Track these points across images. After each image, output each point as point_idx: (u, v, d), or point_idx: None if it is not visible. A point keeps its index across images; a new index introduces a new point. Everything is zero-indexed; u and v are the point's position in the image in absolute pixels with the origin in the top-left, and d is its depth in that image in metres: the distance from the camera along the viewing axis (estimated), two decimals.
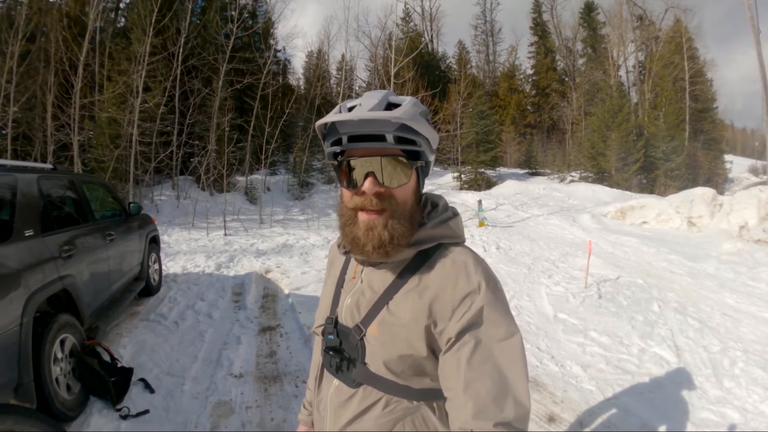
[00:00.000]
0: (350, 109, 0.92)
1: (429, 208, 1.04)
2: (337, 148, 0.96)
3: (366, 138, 0.91)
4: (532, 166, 29.20)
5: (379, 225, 0.91)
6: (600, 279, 6.50)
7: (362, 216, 0.93)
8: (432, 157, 1.01)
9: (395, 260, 0.97)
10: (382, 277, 1.00)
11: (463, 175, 23.15)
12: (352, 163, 0.94)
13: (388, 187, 0.92)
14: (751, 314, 5.23)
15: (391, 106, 0.91)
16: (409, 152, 0.94)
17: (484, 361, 0.83)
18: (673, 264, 7.60)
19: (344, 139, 0.93)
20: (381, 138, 0.90)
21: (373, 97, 0.91)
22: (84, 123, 13.49)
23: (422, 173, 1.01)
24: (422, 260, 0.97)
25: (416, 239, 0.96)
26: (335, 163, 0.99)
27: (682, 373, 3.87)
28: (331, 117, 0.90)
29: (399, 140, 0.91)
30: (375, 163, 0.91)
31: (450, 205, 1.07)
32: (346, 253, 1.06)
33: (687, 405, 3.39)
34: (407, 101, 0.91)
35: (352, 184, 0.94)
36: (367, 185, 0.91)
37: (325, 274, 1.29)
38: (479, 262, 0.96)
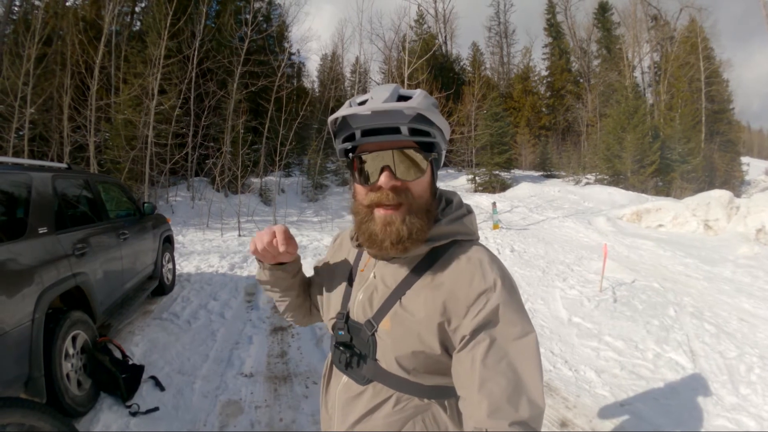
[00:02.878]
0: (361, 104, 0.90)
1: (443, 204, 1.02)
2: (350, 144, 0.95)
3: (380, 131, 0.90)
4: (546, 169, 28.93)
5: (397, 220, 0.90)
6: (615, 283, 6.40)
7: (379, 212, 0.92)
8: (445, 148, 1.00)
9: (410, 255, 0.96)
10: (395, 272, 0.99)
11: (477, 178, 23.03)
12: (365, 158, 0.92)
13: (403, 180, 0.91)
14: None
15: (402, 98, 0.90)
16: (423, 144, 0.93)
17: (498, 360, 0.82)
18: (689, 268, 7.47)
19: (357, 133, 0.92)
20: (395, 130, 0.89)
21: (384, 90, 0.90)
22: (100, 124, 13.74)
23: (436, 165, 1.00)
24: (436, 257, 0.96)
25: (431, 235, 0.95)
26: (347, 159, 0.98)
27: (698, 379, 3.80)
28: (343, 111, 0.89)
29: (413, 132, 0.89)
30: (389, 157, 0.90)
31: (464, 202, 1.06)
32: (359, 246, 1.05)
33: (702, 412, 3.32)
34: (418, 93, 0.90)
35: (366, 180, 0.93)
36: (383, 179, 0.89)
37: (327, 254, 1.29)
38: (494, 260, 0.94)
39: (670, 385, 3.70)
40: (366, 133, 0.91)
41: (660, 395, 3.54)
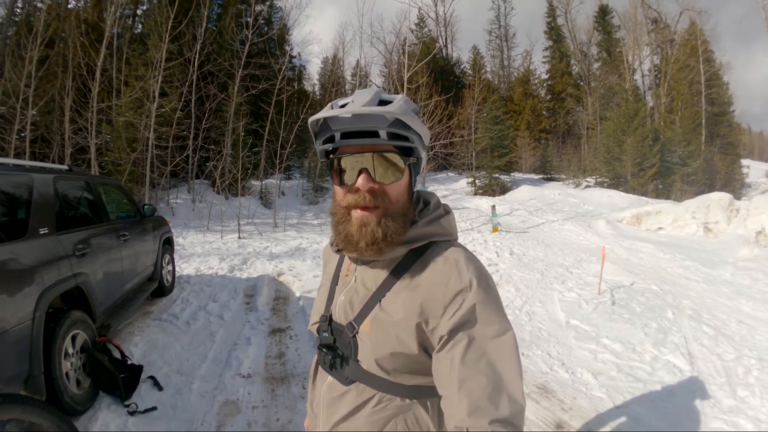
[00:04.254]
0: (342, 107, 0.92)
1: (421, 205, 1.04)
2: (330, 146, 0.96)
3: (359, 134, 0.91)
4: (547, 172, 28.87)
5: (372, 222, 0.91)
6: (614, 285, 6.41)
7: (356, 213, 0.93)
8: (424, 154, 1.01)
9: (388, 258, 0.97)
10: (375, 275, 1.00)
11: (477, 181, 22.97)
12: (345, 160, 0.94)
13: (381, 183, 0.92)
14: (767, 322, 5.12)
15: (382, 102, 0.92)
16: (402, 148, 0.94)
17: (477, 358, 0.83)
18: (689, 270, 7.47)
19: (337, 135, 0.93)
20: (374, 134, 0.90)
21: (365, 95, 0.92)
22: (101, 127, 13.75)
23: (414, 170, 1.01)
24: (414, 258, 0.97)
25: (408, 237, 0.96)
26: (327, 160, 1.00)
27: (695, 382, 3.80)
28: (323, 113, 0.90)
29: (392, 136, 0.91)
30: (368, 160, 0.91)
31: (442, 202, 1.07)
32: (338, 251, 1.06)
33: (699, 414, 3.33)
34: (399, 98, 0.92)
35: (344, 182, 0.94)
36: (361, 182, 0.91)
37: (322, 275, 1.30)
38: (471, 259, 0.95)
39: (668, 388, 3.70)
40: (346, 135, 0.92)
41: (657, 398, 3.55)
